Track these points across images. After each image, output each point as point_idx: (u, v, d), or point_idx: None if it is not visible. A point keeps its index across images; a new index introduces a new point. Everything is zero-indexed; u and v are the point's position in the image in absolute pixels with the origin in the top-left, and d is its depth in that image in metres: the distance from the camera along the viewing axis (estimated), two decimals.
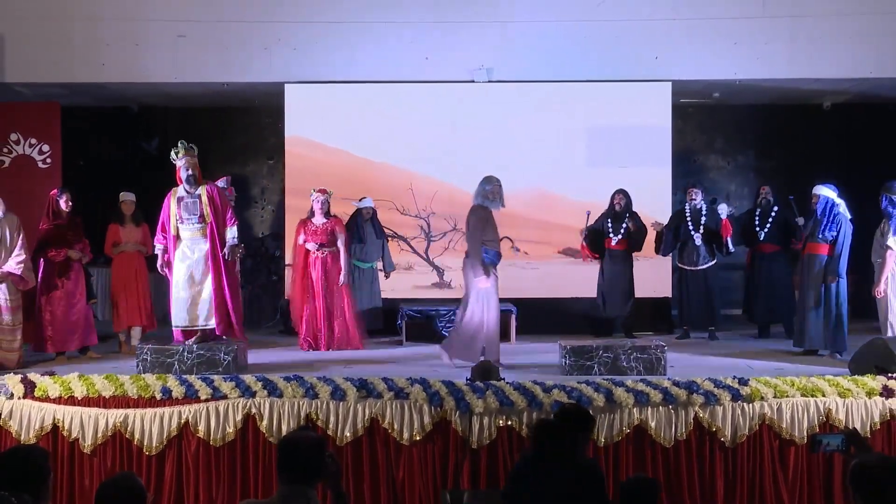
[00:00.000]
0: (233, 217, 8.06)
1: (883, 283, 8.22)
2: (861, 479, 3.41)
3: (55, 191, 8.78)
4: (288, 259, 10.22)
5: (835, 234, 8.41)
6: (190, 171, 7.80)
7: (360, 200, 9.83)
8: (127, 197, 9.36)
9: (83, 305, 8.70)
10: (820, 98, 11.47)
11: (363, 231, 9.75)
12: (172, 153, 7.85)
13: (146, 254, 9.32)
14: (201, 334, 7.83)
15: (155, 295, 9.53)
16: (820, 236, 8.47)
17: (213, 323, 7.80)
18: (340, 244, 9.12)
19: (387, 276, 9.92)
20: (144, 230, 9.30)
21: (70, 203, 8.67)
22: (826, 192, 8.59)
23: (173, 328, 7.86)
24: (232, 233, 7.92)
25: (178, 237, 7.84)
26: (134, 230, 9.28)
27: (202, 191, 7.84)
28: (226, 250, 7.86)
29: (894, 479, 3.28)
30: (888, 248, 8.17)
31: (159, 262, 7.90)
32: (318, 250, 9.07)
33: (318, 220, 9.17)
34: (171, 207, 7.84)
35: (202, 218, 7.81)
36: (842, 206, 8.55)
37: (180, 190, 7.84)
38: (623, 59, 9.96)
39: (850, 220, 8.48)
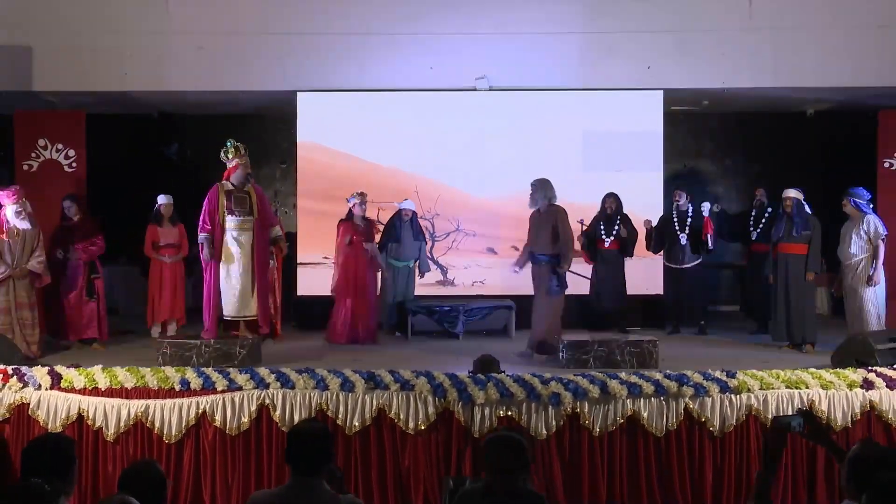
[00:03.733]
0: (275, 216, 8.21)
1: (879, 272, 8.22)
2: (857, 468, 3.40)
3: (63, 197, 9.09)
4: (303, 258, 10.23)
5: (809, 232, 8.45)
6: (248, 170, 8.07)
7: (403, 202, 9.79)
8: (165, 200, 9.44)
9: (79, 301, 8.80)
10: (802, 106, 11.45)
11: (400, 231, 9.65)
12: (229, 150, 7.99)
13: (184, 255, 9.40)
14: (245, 325, 7.90)
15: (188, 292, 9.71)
16: (795, 235, 8.48)
17: (253, 312, 7.91)
18: (375, 242, 9.23)
19: (421, 276, 9.82)
20: (181, 230, 9.43)
21: (73, 209, 8.92)
22: (796, 194, 8.63)
23: (217, 318, 7.89)
24: (276, 230, 8.18)
25: (223, 229, 7.93)
26: (171, 230, 9.37)
27: (251, 189, 8.00)
28: (273, 246, 8.14)
29: (888, 467, 3.28)
30: (882, 240, 8.17)
31: (206, 251, 7.94)
32: (370, 249, 9.08)
33: (360, 221, 9.16)
34: (220, 200, 7.93)
35: (251, 212, 7.94)
36: (806, 207, 8.61)
37: (228, 184, 7.97)
38: (617, 69, 9.95)
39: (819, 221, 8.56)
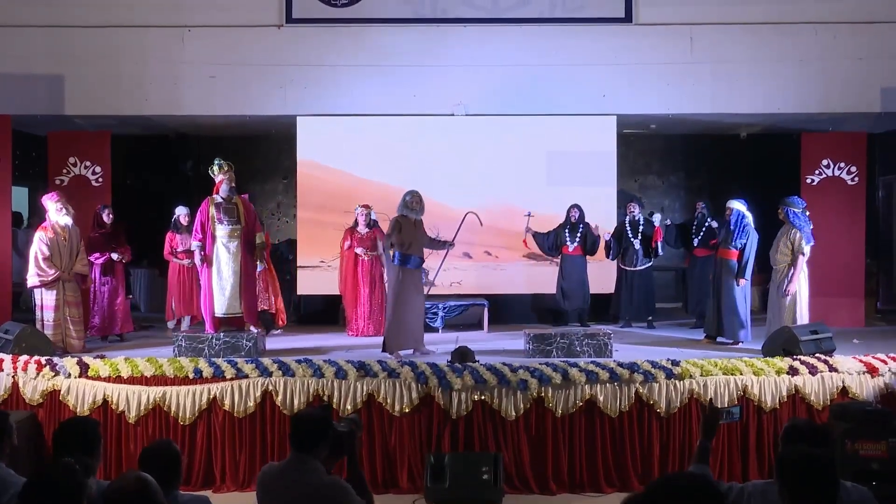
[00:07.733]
0: (260, 225, 8.14)
1: (794, 285, 8.04)
2: (791, 437, 3.41)
3: (99, 206, 9.02)
4: (303, 262, 10.19)
5: (744, 242, 8.39)
6: (231, 184, 7.95)
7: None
8: (184, 211, 9.38)
9: (123, 299, 8.82)
10: (737, 129, 11.54)
11: None
12: (215, 167, 7.93)
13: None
14: (234, 320, 7.86)
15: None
16: (732, 244, 8.45)
17: (240, 310, 7.87)
18: (381, 249, 9.08)
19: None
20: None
21: (111, 216, 8.86)
22: (738, 205, 8.54)
23: (213, 316, 7.85)
24: (260, 237, 8.06)
25: (214, 237, 7.87)
26: (188, 237, 9.27)
27: (238, 200, 7.95)
28: (257, 252, 8.02)
29: (809, 442, 3.30)
30: (802, 254, 8.01)
31: (198, 257, 7.92)
32: (364, 254, 9.04)
33: (363, 229, 9.13)
34: (210, 211, 7.88)
35: (238, 221, 7.87)
36: (749, 218, 8.52)
37: (217, 198, 7.91)
38: (576, 97, 9.99)
39: (755, 230, 8.49)
